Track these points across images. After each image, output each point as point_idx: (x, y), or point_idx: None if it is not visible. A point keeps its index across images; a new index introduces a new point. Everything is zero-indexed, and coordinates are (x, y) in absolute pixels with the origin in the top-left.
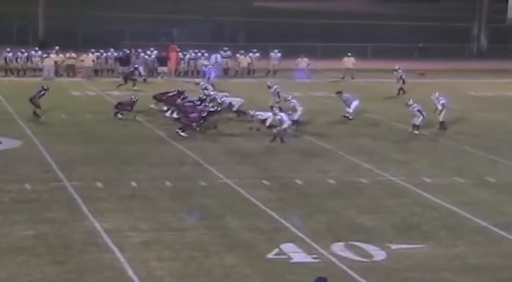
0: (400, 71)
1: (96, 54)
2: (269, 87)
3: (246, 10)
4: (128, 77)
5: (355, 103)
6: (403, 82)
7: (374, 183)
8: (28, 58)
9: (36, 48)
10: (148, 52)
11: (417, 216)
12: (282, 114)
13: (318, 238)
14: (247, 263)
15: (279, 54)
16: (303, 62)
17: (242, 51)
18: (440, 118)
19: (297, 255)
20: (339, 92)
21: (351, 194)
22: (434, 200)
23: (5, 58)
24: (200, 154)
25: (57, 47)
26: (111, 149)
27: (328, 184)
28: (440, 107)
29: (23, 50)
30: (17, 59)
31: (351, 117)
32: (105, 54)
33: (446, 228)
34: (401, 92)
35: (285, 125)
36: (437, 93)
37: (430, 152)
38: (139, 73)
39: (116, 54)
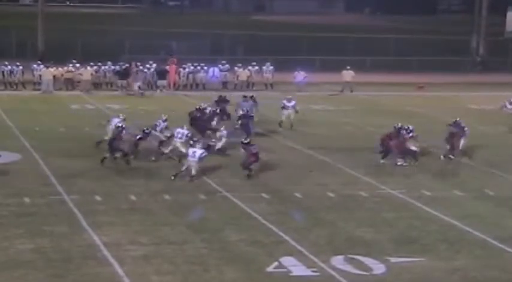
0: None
1: (94, 67)
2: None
3: (245, 24)
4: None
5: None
6: None
7: (373, 197)
8: (23, 71)
9: (39, 61)
10: (148, 65)
11: (417, 229)
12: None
13: (318, 251)
14: (247, 277)
15: (271, 67)
16: (300, 75)
17: (240, 64)
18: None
19: (296, 268)
20: (252, 96)
21: (350, 207)
22: (434, 213)
23: (3, 72)
24: (199, 167)
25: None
26: (110, 163)
27: (327, 197)
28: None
29: (18, 64)
30: (12, 72)
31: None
32: (103, 67)
33: (446, 241)
34: None
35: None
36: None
37: (430, 165)
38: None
39: (113, 67)
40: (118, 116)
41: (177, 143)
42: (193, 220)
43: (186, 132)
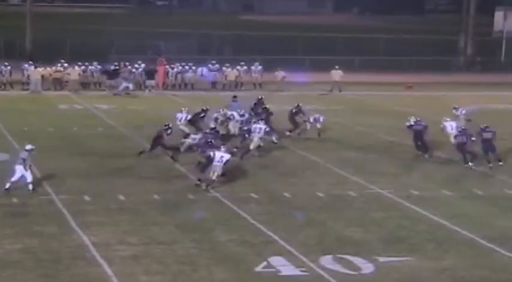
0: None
1: (82, 67)
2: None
3: (233, 23)
4: None
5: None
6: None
7: (362, 196)
8: (11, 71)
9: (30, 61)
10: (136, 65)
11: (405, 229)
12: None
13: (307, 251)
14: (236, 277)
15: (260, 67)
16: (279, 75)
17: (228, 65)
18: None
19: (285, 268)
20: (235, 97)
21: (339, 207)
22: (422, 212)
23: None
24: (188, 167)
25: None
26: (99, 163)
27: (316, 197)
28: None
29: (6, 64)
30: (0, 72)
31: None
32: (90, 67)
33: (435, 241)
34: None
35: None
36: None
37: (418, 165)
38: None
39: (99, 67)
40: (181, 111)
41: (255, 138)
42: (196, 219)
43: (263, 127)
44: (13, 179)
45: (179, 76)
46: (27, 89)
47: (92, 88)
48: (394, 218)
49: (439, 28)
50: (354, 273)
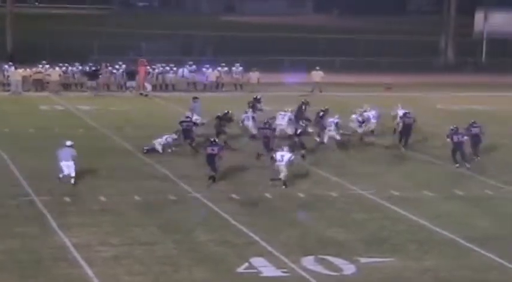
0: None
1: (62, 68)
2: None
3: (215, 24)
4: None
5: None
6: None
7: (343, 197)
8: None
9: (10, 62)
10: (117, 66)
11: (387, 229)
12: None
13: (288, 252)
14: (217, 277)
15: (240, 68)
16: (254, 76)
17: (207, 66)
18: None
19: (266, 269)
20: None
21: (320, 208)
22: (403, 213)
23: None
24: (168, 168)
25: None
26: (79, 164)
27: (297, 198)
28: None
29: None
30: None
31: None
32: (70, 68)
33: (416, 241)
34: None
35: None
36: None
37: (399, 166)
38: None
39: (80, 67)
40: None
41: (330, 132)
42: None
43: (335, 120)
44: (72, 174)
45: (160, 77)
46: (8, 90)
47: (73, 89)
48: (376, 219)
49: (420, 29)
50: (335, 274)
